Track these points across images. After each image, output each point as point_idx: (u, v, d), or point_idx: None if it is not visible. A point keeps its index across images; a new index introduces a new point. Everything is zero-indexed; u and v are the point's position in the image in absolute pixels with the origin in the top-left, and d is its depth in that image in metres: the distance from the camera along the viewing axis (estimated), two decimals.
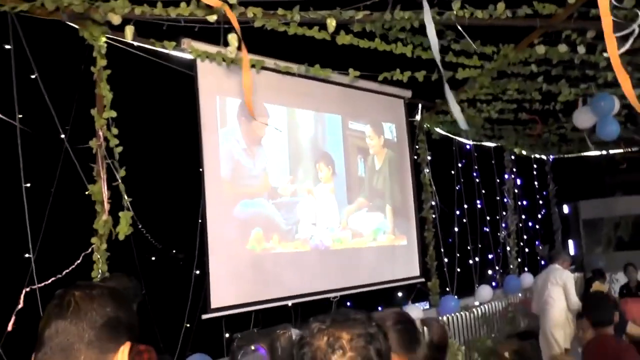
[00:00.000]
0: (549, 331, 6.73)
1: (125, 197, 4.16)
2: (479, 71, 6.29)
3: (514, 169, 10.21)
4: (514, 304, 8.97)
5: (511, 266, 9.69)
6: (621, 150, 11.02)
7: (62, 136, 4.10)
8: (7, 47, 3.84)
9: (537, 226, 11.35)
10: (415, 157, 7.64)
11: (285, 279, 5.38)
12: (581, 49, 5.80)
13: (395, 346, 1.70)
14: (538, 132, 8.81)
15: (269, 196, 5.38)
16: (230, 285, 4.90)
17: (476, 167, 8.87)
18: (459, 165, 8.45)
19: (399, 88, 6.97)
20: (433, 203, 7.68)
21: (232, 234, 5.01)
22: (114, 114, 4.20)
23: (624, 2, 4.42)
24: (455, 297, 7.58)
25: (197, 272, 4.80)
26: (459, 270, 7.99)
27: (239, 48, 4.31)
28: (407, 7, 4.90)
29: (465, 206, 8.45)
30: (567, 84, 6.89)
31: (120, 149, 4.18)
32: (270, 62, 5.41)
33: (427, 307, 7.49)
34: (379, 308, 5.12)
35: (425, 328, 1.96)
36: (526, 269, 9.95)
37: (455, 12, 4.88)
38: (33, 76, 3.98)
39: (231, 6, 4.14)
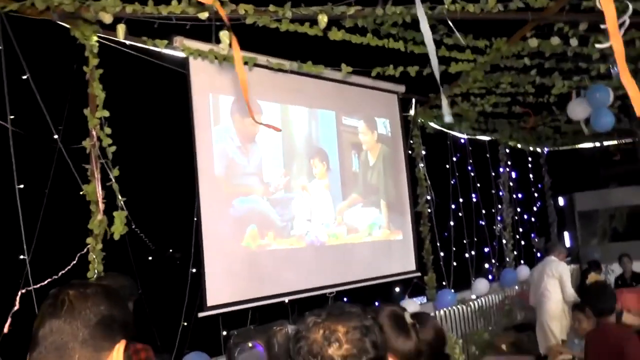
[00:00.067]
0: (545, 323, 6.75)
1: (119, 197, 4.16)
2: (472, 65, 6.30)
3: (509, 162, 10.22)
4: (511, 297, 9.00)
5: (507, 259, 9.72)
6: (615, 142, 11.06)
7: (55, 136, 4.08)
8: None
9: (533, 219, 11.37)
10: (410, 151, 7.65)
11: (281, 276, 5.38)
12: (574, 42, 5.81)
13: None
14: (531, 125, 8.83)
15: (263, 193, 5.38)
16: (226, 283, 4.90)
17: (471, 160, 8.88)
18: (454, 159, 8.46)
19: (393, 83, 6.97)
20: (428, 197, 7.69)
21: (227, 232, 5.01)
22: (106, 113, 4.19)
23: None
24: (452, 290, 7.60)
25: (194, 270, 4.80)
26: (455, 264, 8.01)
27: (231, 45, 4.30)
28: (399, 2, 4.90)
29: (461, 200, 8.47)
30: (560, 76, 6.91)
31: (113, 148, 4.17)
32: (262, 59, 5.40)
33: (425, 301, 7.51)
34: (376, 303, 5.13)
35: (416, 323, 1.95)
36: (522, 261, 9.97)
37: (446, 6, 4.88)
38: (24, 77, 3.96)
39: (222, 3, 4.13)
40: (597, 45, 5.16)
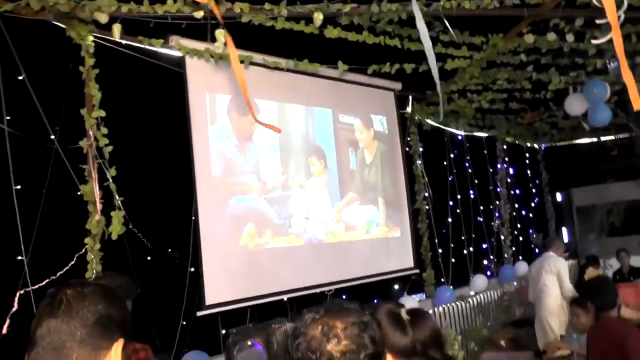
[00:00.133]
0: (544, 319, 6.77)
1: (117, 197, 4.15)
2: (468, 62, 6.30)
3: (506, 159, 10.24)
4: (509, 293, 9.01)
5: (505, 255, 9.73)
6: (612, 137, 11.07)
7: (52, 137, 4.08)
8: None
9: (531, 215, 11.39)
10: (407, 148, 7.65)
11: (280, 274, 5.38)
12: (570, 37, 5.81)
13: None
14: (528, 121, 8.84)
15: (261, 191, 5.38)
16: (224, 282, 4.90)
17: (468, 157, 8.88)
18: (451, 155, 8.46)
19: (389, 80, 6.98)
20: (426, 194, 7.70)
21: (225, 231, 5.01)
22: (103, 113, 4.18)
23: None
24: (451, 287, 7.61)
25: (192, 269, 4.80)
26: (453, 260, 8.02)
27: (226, 44, 4.30)
28: (394, 0, 4.90)
29: (459, 196, 8.47)
30: (556, 72, 6.90)
31: (110, 148, 4.17)
32: (259, 57, 5.40)
33: (423, 298, 7.52)
34: (375, 300, 5.13)
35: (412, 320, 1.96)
36: (520, 257, 9.99)
37: (442, 3, 4.88)
38: (20, 77, 3.95)
39: (217, 2, 4.12)
40: (594, 41, 5.16)
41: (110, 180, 4.16)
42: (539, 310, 6.89)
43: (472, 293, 8.13)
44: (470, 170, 8.91)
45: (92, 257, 4.04)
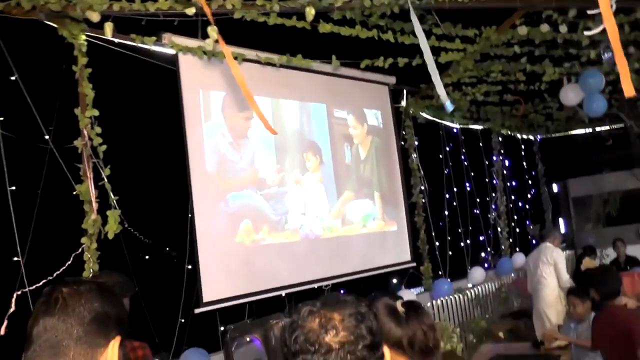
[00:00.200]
0: (542, 310, 6.80)
1: (112, 196, 4.15)
2: (462, 54, 6.30)
3: (502, 151, 10.26)
4: (507, 285, 9.05)
5: (502, 247, 9.76)
6: (607, 128, 11.10)
7: (47, 137, 4.07)
8: None
9: (527, 206, 11.42)
10: (403, 142, 7.66)
11: (277, 270, 5.39)
12: (563, 28, 5.82)
13: None
14: (522, 113, 8.85)
15: (256, 188, 5.38)
16: (221, 279, 4.90)
17: (464, 150, 8.90)
18: (447, 149, 8.47)
19: (383, 75, 6.97)
20: (422, 188, 7.70)
21: (221, 228, 5.01)
22: (96, 112, 4.17)
23: None
24: (448, 280, 7.63)
25: (189, 266, 4.80)
26: (450, 253, 8.03)
27: (216, 41, 4.29)
28: None
29: (455, 189, 8.49)
30: (550, 63, 6.91)
31: (104, 147, 4.16)
32: (251, 53, 5.38)
33: (422, 291, 7.54)
34: (373, 295, 5.14)
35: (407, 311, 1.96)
36: (517, 249, 10.02)
37: None
38: (13, 78, 3.93)
39: None
40: (586, 32, 5.17)
41: (105, 179, 4.15)
42: (537, 302, 6.91)
43: (469, 285, 8.16)
44: (466, 163, 8.92)
45: (89, 256, 4.04)
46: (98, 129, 4.17)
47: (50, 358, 1.27)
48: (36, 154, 4.08)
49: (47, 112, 4.09)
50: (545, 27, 5.79)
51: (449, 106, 4.87)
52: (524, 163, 11.43)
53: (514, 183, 10.79)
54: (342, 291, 6.31)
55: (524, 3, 5.31)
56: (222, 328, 4.82)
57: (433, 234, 7.79)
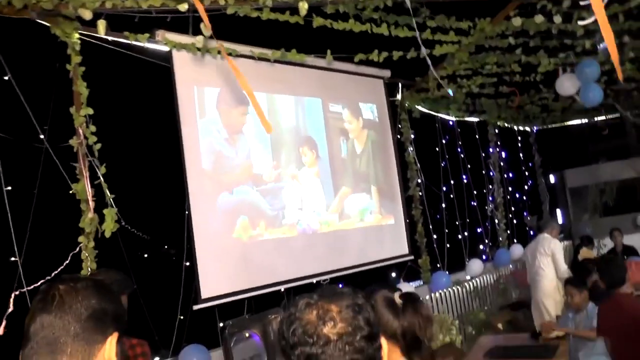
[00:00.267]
0: (540, 300, 6.83)
1: (108, 194, 4.14)
2: (456, 47, 6.30)
3: (498, 142, 10.27)
4: (505, 276, 9.07)
5: (500, 239, 9.78)
6: (603, 118, 11.12)
7: (42, 136, 4.06)
8: None
9: (525, 197, 11.44)
10: (399, 136, 7.65)
11: (275, 265, 5.39)
12: (557, 19, 5.82)
13: None
14: (517, 104, 8.85)
15: (253, 184, 5.37)
16: (219, 275, 4.90)
17: (460, 142, 8.90)
18: (443, 141, 8.48)
19: (378, 68, 6.96)
20: (419, 181, 7.71)
21: (218, 224, 5.00)
22: (90, 111, 4.16)
23: None
24: (447, 272, 7.64)
25: (187, 263, 4.80)
26: (448, 246, 8.05)
27: (211, 37, 4.27)
28: None
29: (452, 182, 8.50)
30: (545, 54, 6.92)
31: (98, 146, 4.15)
32: (245, 49, 5.37)
33: (420, 284, 7.55)
34: (371, 287, 5.15)
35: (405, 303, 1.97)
36: (515, 240, 10.04)
37: None
38: (6, 78, 3.91)
39: None
40: (580, 22, 5.17)
41: (101, 178, 4.14)
42: (535, 292, 6.93)
43: (468, 278, 8.17)
44: (462, 156, 8.93)
45: (87, 255, 4.03)
46: (93, 128, 4.16)
47: (48, 355, 1.27)
48: (31, 154, 4.07)
49: (42, 112, 4.08)
50: (539, 18, 5.79)
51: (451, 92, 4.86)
52: (521, 154, 11.45)
53: (510, 175, 10.81)
54: (340, 285, 6.31)
55: None
56: (221, 324, 4.82)
57: (430, 226, 7.80)
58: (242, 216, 5.20)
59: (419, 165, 7.77)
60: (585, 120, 11.51)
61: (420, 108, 8.05)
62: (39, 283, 3.77)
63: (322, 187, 6.12)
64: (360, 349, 1.25)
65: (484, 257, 9.09)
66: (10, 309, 3.65)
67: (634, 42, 6.68)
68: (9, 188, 3.81)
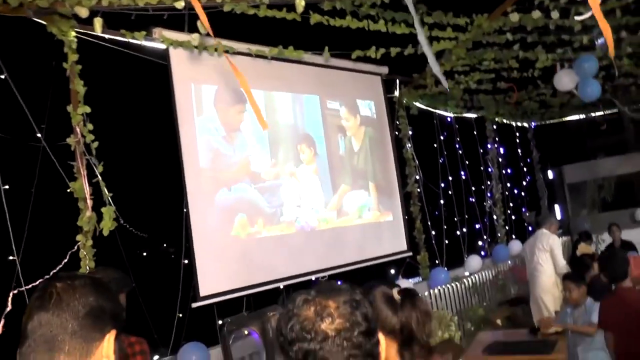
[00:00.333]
0: (538, 296, 6.84)
1: (106, 192, 4.13)
2: (454, 43, 6.30)
3: (497, 138, 10.28)
4: (504, 272, 9.07)
5: (499, 234, 9.79)
6: (601, 113, 11.13)
7: (39, 135, 4.05)
8: None
9: (523, 193, 11.46)
10: (397, 132, 7.65)
11: (273, 263, 5.39)
12: (555, 14, 5.82)
13: None
14: (515, 100, 8.86)
15: (251, 181, 5.37)
16: (217, 273, 4.90)
17: (458, 138, 8.91)
18: (441, 138, 8.48)
19: (376, 65, 6.96)
20: (417, 177, 7.71)
21: (216, 222, 5.00)
22: (88, 109, 4.15)
23: None
24: (445, 269, 7.65)
25: (186, 261, 4.79)
26: (447, 242, 8.06)
27: (208, 34, 4.27)
28: None
29: (450, 178, 8.50)
30: (543, 50, 6.92)
31: (96, 144, 4.14)
32: (242, 46, 5.36)
33: (419, 280, 7.56)
34: (370, 283, 5.14)
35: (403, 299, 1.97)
36: (514, 236, 10.05)
37: None
38: (2, 76, 3.90)
39: None
40: (577, 17, 5.17)
41: (99, 176, 4.14)
42: (534, 288, 6.94)
43: (466, 274, 8.18)
44: (460, 152, 8.94)
45: (85, 254, 4.03)
46: (90, 126, 4.15)
47: (45, 353, 1.27)
48: (29, 153, 4.06)
49: (39, 110, 4.07)
50: (537, 14, 5.79)
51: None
52: (519, 150, 11.46)
53: (509, 170, 10.82)
54: (339, 282, 6.32)
55: None
56: (220, 322, 4.82)
57: (429, 223, 7.80)
58: (240, 214, 5.20)
59: (417, 161, 7.78)
60: (583, 116, 11.53)
61: (418, 104, 8.06)
62: (37, 282, 3.76)
63: (321, 185, 6.11)
64: (358, 344, 1.25)
65: (482, 253, 9.10)
66: (9, 308, 3.64)
67: (632, 37, 6.68)
68: (7, 187, 3.81)
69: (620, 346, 3.86)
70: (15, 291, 3.70)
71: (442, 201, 8.27)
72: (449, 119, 8.85)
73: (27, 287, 3.71)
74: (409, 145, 7.75)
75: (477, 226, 9.35)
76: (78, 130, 4.12)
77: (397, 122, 7.69)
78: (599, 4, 2.41)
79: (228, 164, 5.19)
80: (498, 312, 7.76)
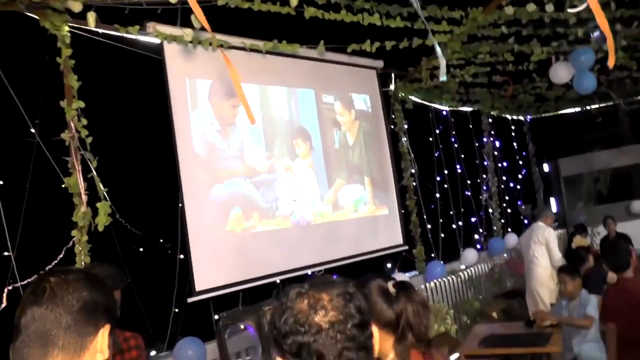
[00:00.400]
0: (534, 289, 6.86)
1: (101, 187, 4.12)
2: (449, 36, 6.29)
3: (492, 132, 10.29)
4: (500, 265, 9.10)
5: (495, 228, 9.81)
6: (596, 106, 11.16)
7: (33, 130, 4.03)
8: None
9: (519, 186, 11.48)
10: (392, 126, 7.65)
11: (269, 257, 5.39)
12: (549, 7, 5.81)
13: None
14: (510, 93, 8.86)
15: (246, 175, 5.36)
16: (213, 268, 4.90)
17: (454, 132, 8.91)
18: (437, 131, 8.48)
19: (371, 59, 6.95)
20: (412, 171, 7.71)
21: (211, 217, 4.99)
22: (82, 104, 4.13)
23: None
24: (441, 262, 7.66)
25: (182, 256, 4.79)
26: (443, 235, 8.07)
27: (202, 28, 4.24)
28: None
29: (446, 172, 8.52)
30: (538, 43, 6.91)
31: (90, 139, 4.12)
32: (237, 40, 5.34)
33: (416, 273, 7.57)
34: (366, 276, 5.15)
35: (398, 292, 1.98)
36: (510, 229, 10.08)
37: None
38: None
39: None
40: (570, 10, 5.17)
41: (94, 171, 4.12)
42: (529, 281, 6.96)
43: (462, 267, 8.20)
44: (456, 145, 8.94)
45: (80, 249, 4.02)
46: (84, 121, 4.14)
47: (39, 348, 1.27)
48: (23, 148, 4.05)
49: (32, 106, 4.05)
50: (531, 7, 5.78)
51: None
52: (515, 143, 11.49)
53: (504, 164, 10.84)
54: (335, 276, 6.32)
55: None
56: (216, 316, 4.83)
57: (425, 216, 7.81)
58: (236, 208, 5.19)
59: (412, 155, 7.78)
60: (578, 109, 11.54)
61: (413, 98, 8.05)
62: (32, 278, 3.75)
63: (316, 179, 6.11)
64: (352, 336, 1.25)
65: (478, 246, 9.12)
66: (4, 304, 3.64)
67: (626, 30, 6.68)
68: (1, 183, 3.80)
69: (622, 336, 3.89)
70: (10, 287, 3.69)
71: (437, 195, 8.28)
72: (444, 113, 8.86)
73: (22, 283, 3.70)
74: (405, 139, 7.75)
75: (473, 219, 9.36)
76: (72, 125, 4.10)
77: (393, 116, 7.68)
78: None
79: (223, 158, 5.18)
80: (494, 305, 7.79)
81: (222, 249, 5.01)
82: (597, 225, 9.98)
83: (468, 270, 8.23)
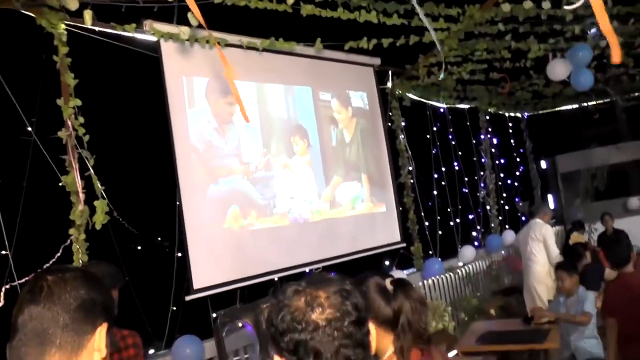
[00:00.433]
0: (532, 286, 6.88)
1: (99, 186, 4.11)
2: (446, 34, 6.29)
3: (490, 129, 10.30)
4: (497, 262, 9.12)
5: (492, 225, 9.82)
6: (593, 103, 11.17)
7: (29, 129, 4.02)
8: None
9: (516, 183, 11.50)
10: (390, 123, 7.65)
11: (266, 255, 5.39)
12: (546, 4, 5.81)
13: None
14: (508, 90, 8.87)
15: (243, 173, 5.35)
16: (211, 266, 4.90)
17: (451, 129, 8.92)
18: (434, 128, 8.49)
19: (368, 56, 6.95)
20: (410, 168, 7.72)
21: (209, 214, 4.99)
22: (79, 102, 4.12)
23: None
24: (439, 259, 7.67)
25: (179, 254, 4.79)
26: (440, 232, 8.08)
27: (198, 26, 4.24)
28: None
29: (443, 169, 8.52)
30: (535, 40, 6.92)
31: (87, 137, 4.11)
32: (234, 38, 5.33)
33: (414, 271, 7.58)
34: (364, 274, 5.15)
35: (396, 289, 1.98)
36: (507, 226, 10.10)
37: None
38: None
39: None
40: (566, 7, 5.17)
41: (91, 169, 4.12)
42: (527, 278, 6.98)
43: (460, 264, 8.21)
44: (453, 142, 8.95)
45: (78, 247, 4.01)
46: (82, 119, 4.13)
47: (37, 346, 1.27)
48: (19, 147, 4.04)
49: (29, 104, 4.04)
50: (528, 4, 5.78)
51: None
52: (512, 140, 11.50)
53: (502, 161, 10.85)
54: (332, 274, 6.32)
55: None
56: (213, 314, 4.83)
57: (422, 213, 7.82)
58: (233, 206, 5.19)
59: (410, 152, 7.78)
60: (576, 106, 11.56)
61: (410, 95, 8.05)
62: (30, 276, 3.75)
63: (314, 176, 6.11)
64: (349, 334, 1.26)
65: (476, 243, 9.13)
66: (1, 303, 3.63)
67: (623, 27, 6.69)
68: None
69: (623, 331, 3.90)
70: (8, 286, 3.68)
71: (435, 192, 8.29)
72: (441, 110, 8.86)
73: (19, 281, 3.69)
74: (402, 136, 7.75)
75: (471, 216, 9.38)
76: (69, 123, 4.09)
77: (390, 113, 7.68)
78: None
79: (220, 155, 5.18)
80: (492, 302, 7.80)
81: (219, 247, 5.01)
82: (595, 221, 10.01)
83: (466, 267, 8.24)
